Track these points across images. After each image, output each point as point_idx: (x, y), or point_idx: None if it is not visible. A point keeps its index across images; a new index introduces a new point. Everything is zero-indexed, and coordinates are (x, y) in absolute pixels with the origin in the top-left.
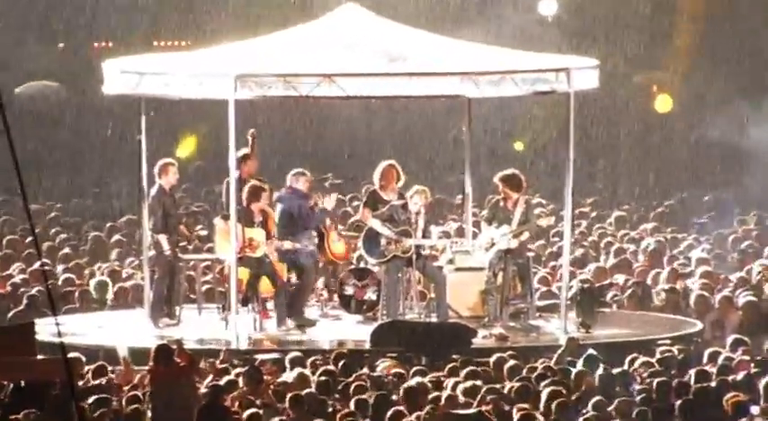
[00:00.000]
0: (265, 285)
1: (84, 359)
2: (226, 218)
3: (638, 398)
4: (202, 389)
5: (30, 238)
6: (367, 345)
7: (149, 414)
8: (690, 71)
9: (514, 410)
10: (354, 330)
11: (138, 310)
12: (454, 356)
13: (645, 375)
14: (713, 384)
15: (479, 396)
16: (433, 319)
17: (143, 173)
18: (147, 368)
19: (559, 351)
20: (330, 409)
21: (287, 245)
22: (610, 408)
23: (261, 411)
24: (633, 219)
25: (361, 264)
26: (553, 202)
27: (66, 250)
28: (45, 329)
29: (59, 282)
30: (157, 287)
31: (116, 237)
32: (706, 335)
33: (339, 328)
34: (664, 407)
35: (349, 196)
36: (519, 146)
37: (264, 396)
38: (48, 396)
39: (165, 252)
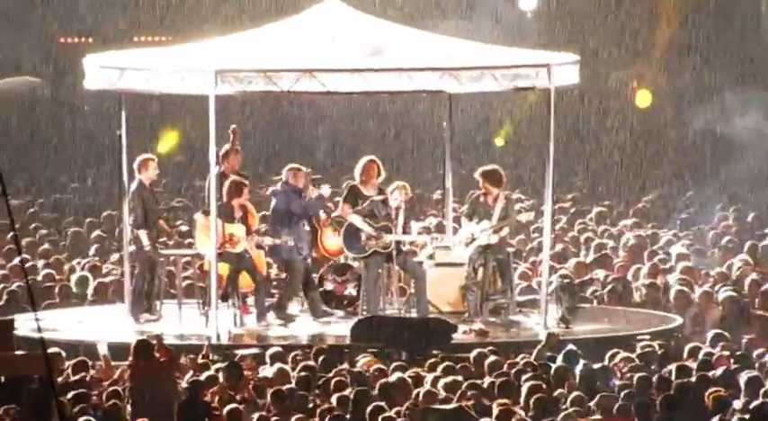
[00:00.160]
0: (245, 281)
1: (64, 354)
2: (206, 213)
3: (618, 393)
4: (183, 385)
5: (10, 234)
6: (347, 341)
7: (129, 409)
8: (670, 66)
9: (494, 405)
10: (334, 326)
11: (119, 306)
12: (434, 352)
13: (625, 370)
14: (693, 379)
15: (460, 391)
16: (413, 315)
17: (123, 168)
18: (127, 363)
19: (539, 346)
20: (311, 405)
21: (267, 240)
22: (590, 403)
23: (241, 406)
24: (613, 215)
25: (341, 260)
26: (533, 198)
27: (46, 245)
28: (25, 324)
29: (39, 278)
30: (137, 282)
31: (96, 232)
32: (686, 330)
33: (319, 324)
34: (644, 401)
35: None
36: (499, 141)
37: (245, 391)
38: (27, 391)
39: (146, 247)
